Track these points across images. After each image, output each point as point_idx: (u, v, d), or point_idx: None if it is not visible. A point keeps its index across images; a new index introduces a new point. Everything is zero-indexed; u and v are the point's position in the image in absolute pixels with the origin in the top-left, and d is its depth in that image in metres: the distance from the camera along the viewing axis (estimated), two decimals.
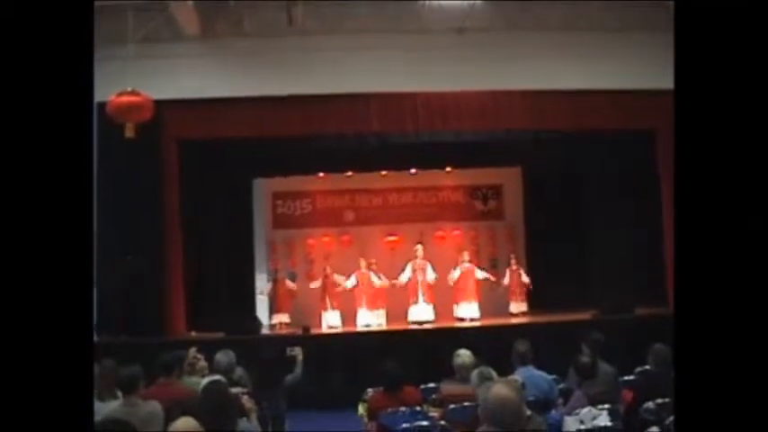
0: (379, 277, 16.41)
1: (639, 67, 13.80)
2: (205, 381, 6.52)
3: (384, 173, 18.82)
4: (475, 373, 6.56)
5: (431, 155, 17.36)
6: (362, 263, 16.57)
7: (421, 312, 15.95)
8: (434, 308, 16.19)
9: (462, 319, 16.01)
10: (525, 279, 17.11)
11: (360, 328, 15.78)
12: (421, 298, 16.09)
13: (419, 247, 16.70)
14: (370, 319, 15.97)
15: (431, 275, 16.28)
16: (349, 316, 16.31)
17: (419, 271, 16.30)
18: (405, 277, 16.31)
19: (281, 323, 16.43)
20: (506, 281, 17.14)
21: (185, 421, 4.66)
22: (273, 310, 16.92)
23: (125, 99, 11.19)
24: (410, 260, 16.55)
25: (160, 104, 12.20)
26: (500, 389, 4.23)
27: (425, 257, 16.57)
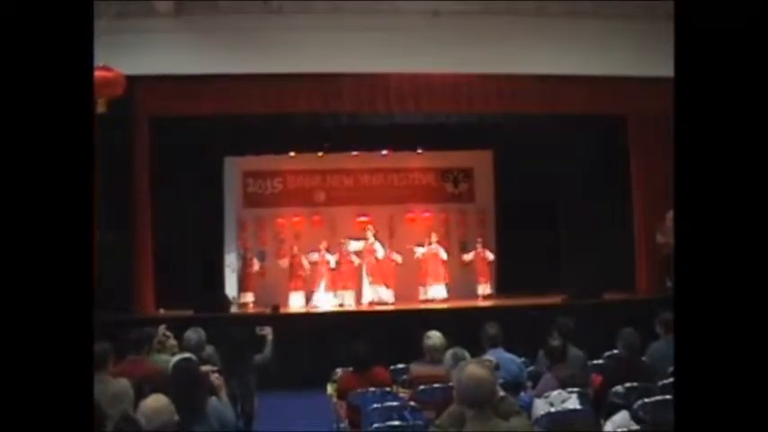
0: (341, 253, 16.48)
1: (612, 52, 13.85)
2: (175, 358, 6.50)
3: (355, 153, 18.83)
4: (448, 354, 6.59)
5: (403, 136, 17.45)
6: (323, 244, 16.64)
7: (370, 294, 15.95)
8: (388, 288, 16.22)
9: (430, 301, 16.06)
10: (490, 256, 17.25)
11: (325, 308, 15.83)
12: (368, 279, 16.14)
13: (369, 227, 16.73)
14: (342, 300, 16.04)
15: (380, 253, 16.33)
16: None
17: (367, 252, 16.30)
18: (353, 247, 16.39)
19: (248, 302, 16.43)
20: (469, 257, 17.26)
21: (156, 398, 4.66)
22: (241, 288, 16.92)
23: (97, 74, 10.96)
24: (360, 238, 16.60)
25: (132, 80, 12.07)
26: (474, 369, 4.24)
27: (391, 238, 16.64)
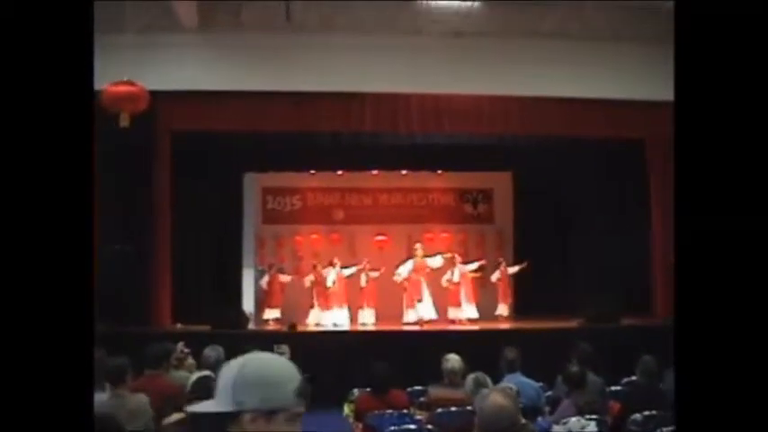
0: (367, 278, 16.41)
1: (632, 77, 13.88)
2: (195, 376, 6.50)
3: (375, 172, 18.85)
4: (470, 379, 6.58)
5: (423, 156, 17.46)
6: (336, 260, 16.66)
7: (423, 311, 15.87)
8: (435, 307, 16.13)
9: (461, 321, 15.96)
10: (512, 270, 17.18)
11: (329, 326, 15.83)
12: (425, 297, 16.04)
13: (418, 245, 16.71)
14: (363, 319, 16.07)
15: (437, 264, 16.31)
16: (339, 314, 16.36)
17: (420, 270, 16.27)
18: (404, 271, 16.29)
19: (271, 319, 16.38)
20: (493, 278, 17.17)
21: (181, 416, 4.67)
22: (265, 305, 16.87)
23: (121, 89, 11.12)
24: (410, 257, 16.56)
25: (155, 95, 12.15)
26: (496, 397, 4.24)
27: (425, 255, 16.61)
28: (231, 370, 2.43)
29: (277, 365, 2.45)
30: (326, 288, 16.35)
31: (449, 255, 16.90)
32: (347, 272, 16.49)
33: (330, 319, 16.06)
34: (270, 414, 2.34)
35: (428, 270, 16.32)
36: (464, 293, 16.41)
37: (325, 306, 16.31)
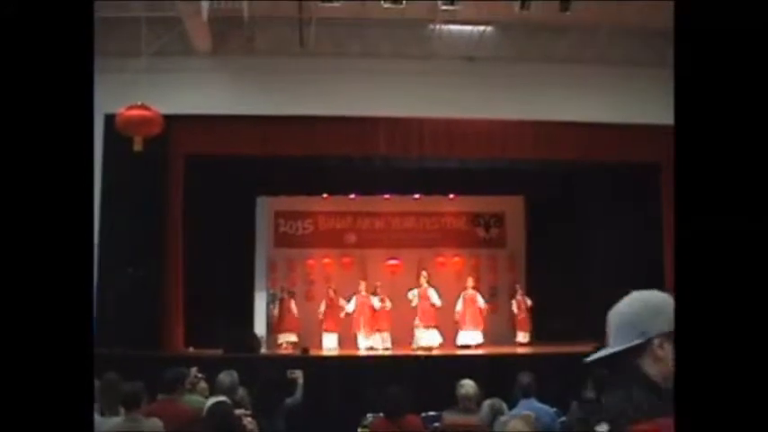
0: (381, 300, 16.34)
1: (645, 101, 13.82)
2: (210, 401, 6.48)
3: (387, 196, 18.82)
4: (486, 405, 6.53)
5: (435, 181, 17.46)
6: (362, 285, 16.58)
7: (425, 338, 15.85)
8: (440, 333, 16.08)
9: (466, 346, 15.92)
10: (528, 302, 17.08)
11: (360, 351, 15.75)
12: (423, 324, 16.01)
13: (424, 273, 16.70)
14: (370, 343, 15.96)
15: (436, 301, 16.25)
16: (350, 339, 16.31)
17: (423, 297, 16.25)
18: (413, 303, 16.27)
19: (287, 342, 16.30)
20: (514, 309, 17.10)
21: None
22: (277, 328, 16.81)
23: (135, 113, 11.20)
24: (415, 287, 16.53)
25: (169, 119, 12.20)
26: (516, 425, 4.23)
27: (429, 283, 16.55)
28: (620, 313, 2.69)
29: (654, 293, 2.69)
30: (347, 314, 16.40)
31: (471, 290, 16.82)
32: (377, 303, 16.44)
33: (346, 343, 16.02)
34: (670, 335, 2.52)
35: (430, 303, 16.28)
36: (469, 318, 16.37)
37: (341, 331, 16.32)
